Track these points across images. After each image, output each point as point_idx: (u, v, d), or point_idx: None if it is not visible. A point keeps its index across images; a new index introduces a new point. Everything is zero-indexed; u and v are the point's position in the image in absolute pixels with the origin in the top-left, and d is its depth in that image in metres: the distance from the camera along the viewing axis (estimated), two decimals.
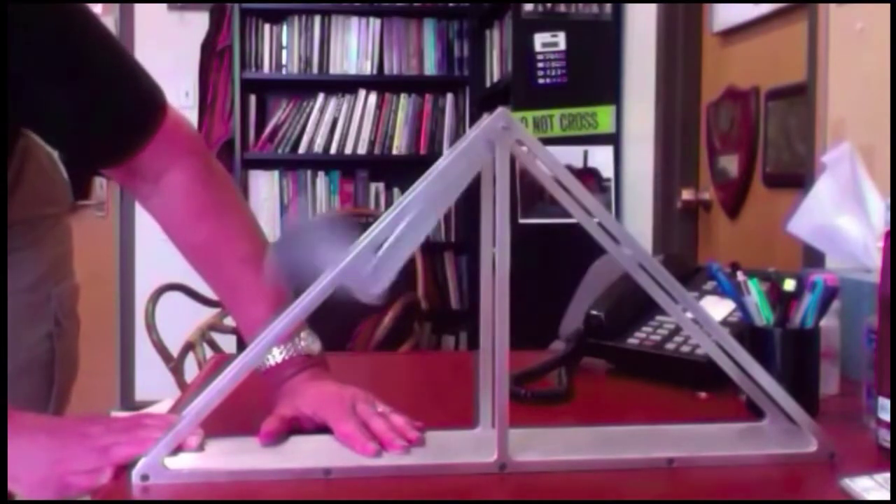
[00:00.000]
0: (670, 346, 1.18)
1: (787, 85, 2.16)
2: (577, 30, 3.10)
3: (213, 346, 3.42)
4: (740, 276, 1.03)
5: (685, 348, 1.16)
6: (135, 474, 0.79)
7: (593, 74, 3.11)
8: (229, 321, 3.72)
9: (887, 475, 0.78)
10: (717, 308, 1.19)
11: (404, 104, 4.17)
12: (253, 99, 4.15)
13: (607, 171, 3.12)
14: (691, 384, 1.12)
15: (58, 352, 1.20)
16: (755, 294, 1.02)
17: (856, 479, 0.78)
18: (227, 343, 3.59)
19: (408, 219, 0.82)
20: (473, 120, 3.85)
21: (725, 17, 2.50)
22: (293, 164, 4.15)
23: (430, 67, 4.20)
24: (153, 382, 3.71)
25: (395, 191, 4.10)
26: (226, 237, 1.01)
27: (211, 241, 1.01)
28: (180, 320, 3.33)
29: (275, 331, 0.79)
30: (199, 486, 0.79)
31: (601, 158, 3.12)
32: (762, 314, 1.02)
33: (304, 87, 4.16)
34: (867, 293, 1.06)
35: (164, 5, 4.13)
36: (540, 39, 3.12)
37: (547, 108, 3.11)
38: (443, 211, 0.88)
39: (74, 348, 1.25)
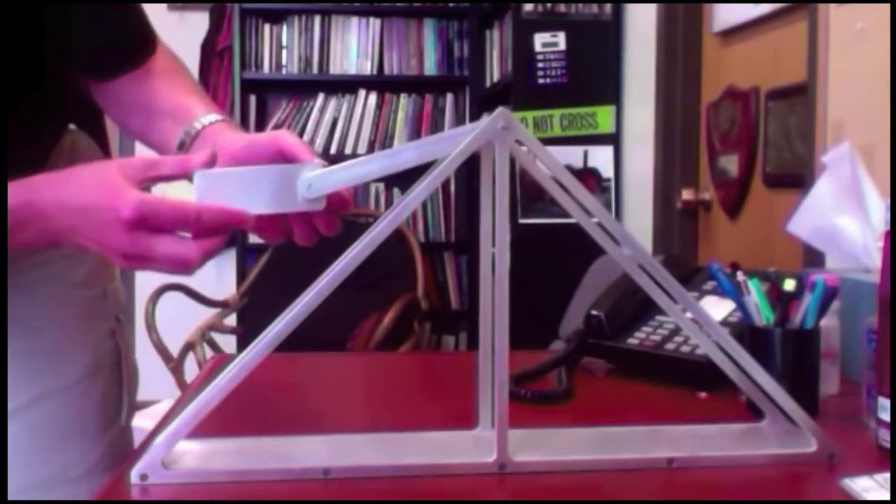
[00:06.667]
0: (670, 346, 1.18)
1: (787, 85, 2.16)
2: (577, 30, 3.11)
3: (213, 346, 3.42)
4: (740, 276, 1.03)
5: (685, 348, 1.16)
6: (134, 474, 0.78)
7: (593, 74, 3.12)
8: (229, 321, 3.74)
9: (887, 475, 0.78)
10: (717, 308, 1.19)
11: (404, 104, 4.17)
12: (253, 99, 4.15)
13: (607, 171, 3.12)
14: (691, 384, 1.12)
15: (122, 351, 1.15)
16: (755, 294, 1.02)
17: (856, 479, 0.78)
18: (227, 343, 3.59)
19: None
20: (473, 120, 3.85)
21: (725, 17, 2.50)
22: None
23: (430, 67, 4.20)
24: (153, 382, 3.67)
25: (395, 191, 4.10)
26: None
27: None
28: (180, 320, 3.33)
29: (275, 330, 0.79)
30: (199, 487, 0.79)
31: (601, 158, 3.12)
32: (762, 314, 1.02)
33: (304, 87, 4.16)
34: (867, 293, 1.06)
35: (164, 5, 4.12)
36: (540, 39, 3.12)
37: (547, 108, 3.11)
38: None
39: (133, 350, 1.20)
